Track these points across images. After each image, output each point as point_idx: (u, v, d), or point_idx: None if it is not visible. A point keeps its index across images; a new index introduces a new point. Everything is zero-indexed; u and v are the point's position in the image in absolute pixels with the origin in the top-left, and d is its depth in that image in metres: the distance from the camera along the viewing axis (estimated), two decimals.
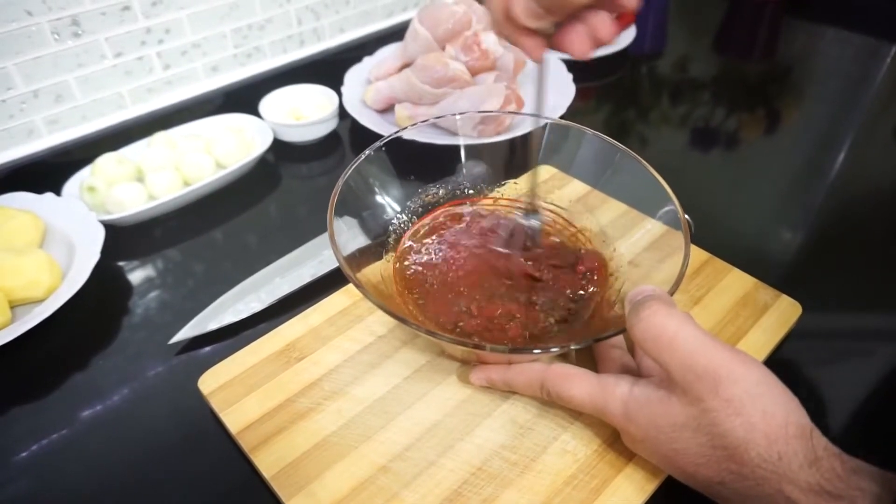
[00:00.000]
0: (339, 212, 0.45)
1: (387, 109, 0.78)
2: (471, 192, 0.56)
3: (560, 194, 0.55)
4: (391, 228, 0.52)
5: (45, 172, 0.71)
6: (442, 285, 0.48)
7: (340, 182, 0.46)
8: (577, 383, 0.39)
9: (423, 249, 0.51)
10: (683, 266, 0.41)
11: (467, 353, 0.46)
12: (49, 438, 0.46)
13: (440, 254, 0.50)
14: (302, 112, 0.76)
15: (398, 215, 0.53)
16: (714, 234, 0.57)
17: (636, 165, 0.48)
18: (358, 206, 0.49)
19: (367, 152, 0.49)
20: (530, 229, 0.50)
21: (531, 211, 0.51)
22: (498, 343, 0.44)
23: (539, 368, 0.41)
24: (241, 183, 0.68)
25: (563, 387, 0.40)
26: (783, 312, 0.50)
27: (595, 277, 0.49)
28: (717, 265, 0.54)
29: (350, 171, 0.47)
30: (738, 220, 0.64)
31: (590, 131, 0.51)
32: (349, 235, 0.46)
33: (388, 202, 0.52)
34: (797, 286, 0.52)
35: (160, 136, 0.69)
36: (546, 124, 0.53)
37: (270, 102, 0.76)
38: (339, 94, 0.77)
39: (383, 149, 0.50)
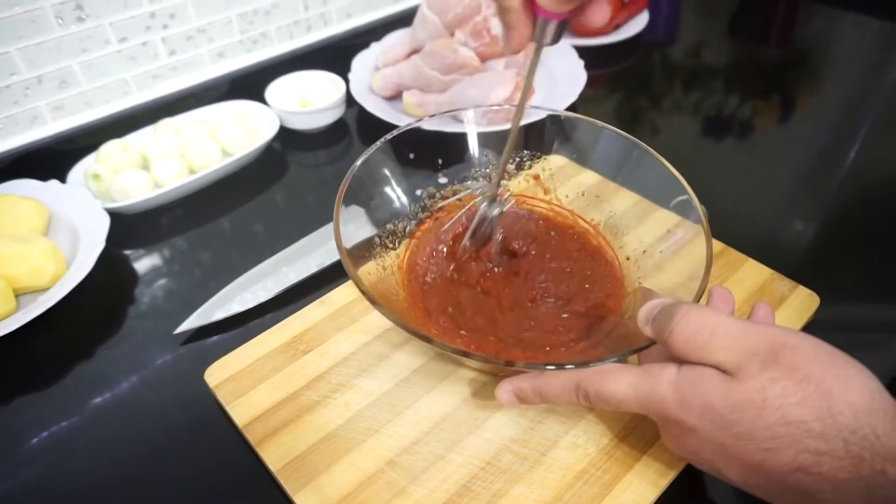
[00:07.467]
0: (347, 201, 0.44)
1: (395, 96, 0.76)
2: (479, 186, 0.55)
3: (570, 185, 0.54)
4: (398, 227, 0.51)
5: (50, 159, 0.71)
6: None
7: (349, 174, 0.45)
8: (618, 377, 0.35)
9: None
10: (708, 266, 0.40)
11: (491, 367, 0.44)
12: (52, 429, 0.45)
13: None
14: (309, 99, 0.75)
15: (408, 211, 0.52)
16: (728, 224, 0.55)
17: (647, 156, 0.47)
18: (366, 196, 0.48)
19: (378, 143, 0.48)
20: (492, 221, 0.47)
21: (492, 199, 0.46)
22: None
23: (573, 370, 0.37)
24: (248, 171, 0.68)
25: (601, 384, 0.35)
26: (800, 304, 0.49)
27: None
28: (732, 256, 0.53)
29: (358, 164, 0.46)
30: (752, 209, 0.62)
31: (599, 123, 0.50)
32: (356, 225, 0.46)
33: (398, 194, 0.51)
34: (814, 277, 0.51)
35: (165, 123, 0.69)
36: (547, 116, 0.52)
37: (277, 89, 0.75)
38: (347, 81, 0.76)
39: (393, 139, 0.49)
